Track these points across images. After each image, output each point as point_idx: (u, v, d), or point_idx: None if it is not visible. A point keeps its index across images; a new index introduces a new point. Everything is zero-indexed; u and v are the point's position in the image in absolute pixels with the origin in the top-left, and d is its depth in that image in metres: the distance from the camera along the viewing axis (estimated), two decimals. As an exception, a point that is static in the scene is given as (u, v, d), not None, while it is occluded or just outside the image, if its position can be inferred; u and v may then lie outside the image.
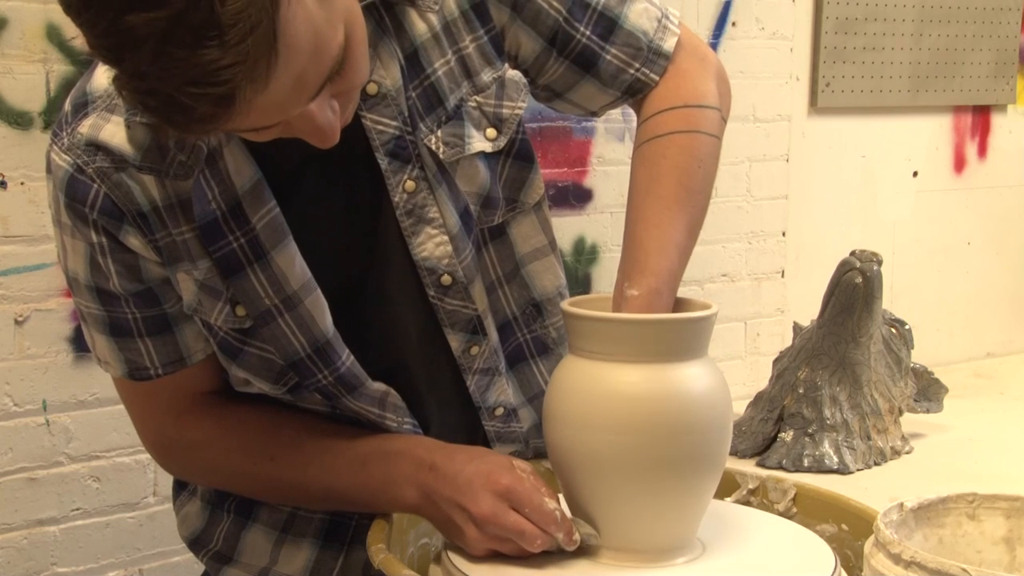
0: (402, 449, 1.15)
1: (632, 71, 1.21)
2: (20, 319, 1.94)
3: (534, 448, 1.28)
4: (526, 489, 1.06)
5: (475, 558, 1.07)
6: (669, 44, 1.22)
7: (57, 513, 2.01)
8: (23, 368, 1.96)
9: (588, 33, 1.19)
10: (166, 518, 2.07)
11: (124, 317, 1.15)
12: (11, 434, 1.96)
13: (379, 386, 1.17)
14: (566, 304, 1.08)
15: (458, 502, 1.07)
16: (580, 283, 2.49)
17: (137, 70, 0.85)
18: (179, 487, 1.34)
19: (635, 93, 1.23)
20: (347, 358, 1.15)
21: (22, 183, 1.91)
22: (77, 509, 2.03)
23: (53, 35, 1.92)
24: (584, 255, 2.52)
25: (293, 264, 1.11)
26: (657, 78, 1.22)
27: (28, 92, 1.91)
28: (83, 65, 1.90)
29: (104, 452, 2.03)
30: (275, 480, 1.19)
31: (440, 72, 1.16)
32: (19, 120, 1.90)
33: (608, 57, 1.20)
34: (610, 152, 2.53)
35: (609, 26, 1.20)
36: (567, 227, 2.47)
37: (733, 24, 2.66)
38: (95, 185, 1.09)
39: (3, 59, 1.88)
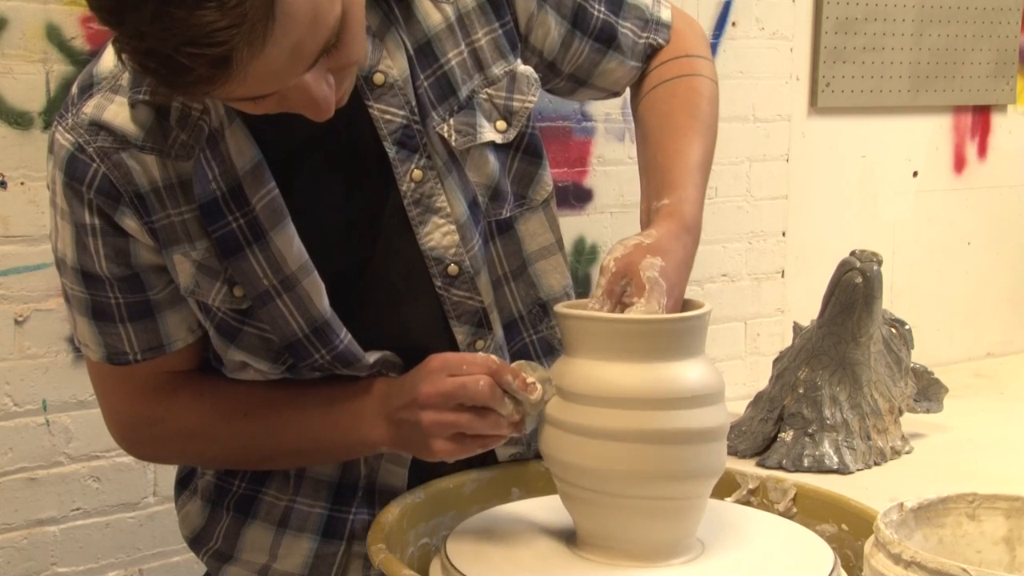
0: (367, 387, 1.18)
1: (643, 40, 1.32)
2: (20, 319, 1.94)
3: (536, 451, 1.28)
4: (456, 356, 1.11)
5: (474, 558, 1.07)
6: (666, 15, 1.34)
7: (57, 513, 2.01)
8: (23, 368, 1.96)
9: (603, 10, 1.27)
10: (166, 518, 2.07)
11: (107, 301, 1.16)
12: (11, 434, 1.96)
13: (375, 356, 1.18)
14: (560, 306, 1.09)
15: (408, 401, 1.11)
16: (580, 283, 2.49)
17: (137, 30, 0.87)
18: (180, 487, 1.35)
19: (647, 59, 1.32)
20: (344, 336, 1.16)
21: (22, 183, 1.91)
22: (77, 509, 2.03)
23: (53, 35, 1.92)
24: (584, 255, 2.52)
25: (291, 245, 1.12)
26: (664, 43, 1.32)
27: (28, 92, 1.91)
28: (83, 65, 1.89)
29: (104, 452, 2.03)
30: (248, 435, 1.21)
31: (453, 62, 1.19)
32: (19, 120, 1.90)
33: (624, 30, 1.29)
34: (610, 152, 2.53)
35: (618, 2, 1.29)
36: (567, 227, 2.45)
37: (733, 24, 2.66)
38: (94, 165, 1.11)
39: (3, 59, 1.88)
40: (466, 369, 1.08)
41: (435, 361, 1.11)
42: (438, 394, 1.09)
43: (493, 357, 1.10)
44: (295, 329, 1.15)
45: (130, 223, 1.12)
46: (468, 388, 1.07)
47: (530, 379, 1.07)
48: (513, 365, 1.09)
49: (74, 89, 1.14)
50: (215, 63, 0.88)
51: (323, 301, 1.14)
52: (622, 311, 1.07)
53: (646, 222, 1.16)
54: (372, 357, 1.18)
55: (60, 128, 1.12)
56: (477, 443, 1.11)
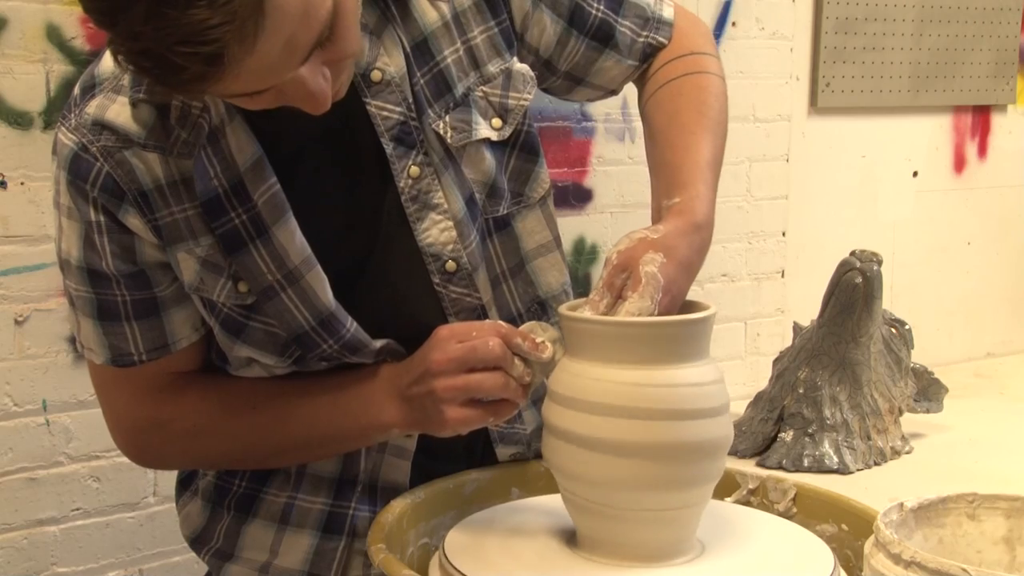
0: (374, 371, 1.19)
1: (643, 38, 1.30)
2: (20, 319, 1.94)
3: (536, 451, 1.28)
4: (463, 325, 1.13)
5: (472, 556, 1.07)
6: (669, 13, 1.33)
7: (57, 513, 2.01)
8: (23, 368, 1.96)
9: (602, 8, 1.27)
10: (166, 518, 2.07)
11: (113, 300, 1.17)
12: (11, 434, 1.96)
13: (380, 343, 1.19)
14: (563, 308, 1.09)
15: (419, 374, 1.12)
16: (580, 283, 2.49)
17: (131, 31, 0.88)
18: (181, 488, 1.35)
19: (647, 58, 1.31)
20: (351, 324, 1.17)
21: (22, 183, 1.91)
22: (77, 509, 2.03)
23: (53, 35, 1.92)
24: (584, 255, 2.52)
25: (293, 239, 1.13)
26: (665, 41, 1.31)
27: (28, 92, 1.91)
28: (83, 65, 1.90)
29: (104, 452, 2.03)
30: (257, 429, 1.20)
31: (449, 60, 1.19)
32: (19, 120, 1.90)
33: (622, 28, 1.28)
34: (610, 152, 2.53)
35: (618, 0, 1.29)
36: (567, 227, 2.47)
37: (733, 24, 2.66)
38: (98, 163, 1.11)
39: (3, 59, 1.88)
40: (475, 334, 1.10)
41: (443, 331, 1.12)
42: (449, 360, 1.10)
43: (501, 322, 1.11)
44: (302, 322, 1.15)
45: (134, 221, 1.13)
46: (478, 350, 1.09)
47: (539, 339, 1.07)
48: (523, 327, 1.11)
49: (76, 90, 1.15)
50: (208, 61, 0.89)
51: (327, 293, 1.15)
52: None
53: (657, 221, 1.15)
54: (377, 343, 1.19)
55: (63, 129, 1.13)
56: (490, 411, 1.12)
